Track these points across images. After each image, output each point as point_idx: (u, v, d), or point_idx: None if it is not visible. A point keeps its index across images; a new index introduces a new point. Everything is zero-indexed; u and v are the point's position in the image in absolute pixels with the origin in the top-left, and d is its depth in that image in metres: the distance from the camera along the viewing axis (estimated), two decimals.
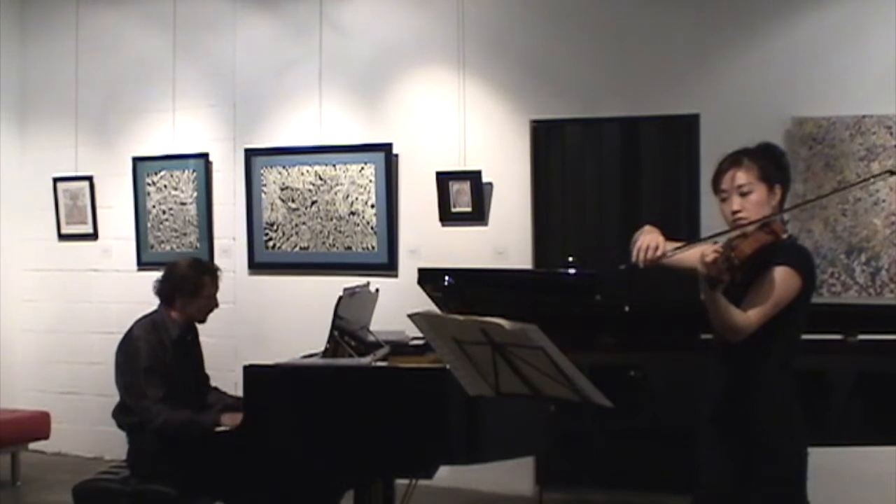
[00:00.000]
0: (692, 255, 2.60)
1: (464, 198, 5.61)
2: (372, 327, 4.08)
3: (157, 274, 4.11)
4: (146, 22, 6.47)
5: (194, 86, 6.31)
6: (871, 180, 2.64)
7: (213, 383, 4.27)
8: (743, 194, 2.61)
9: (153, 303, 4.14)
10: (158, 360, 3.81)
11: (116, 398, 3.99)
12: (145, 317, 4.00)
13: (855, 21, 5.02)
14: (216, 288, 4.05)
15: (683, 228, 5.15)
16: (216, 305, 4.07)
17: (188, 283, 3.97)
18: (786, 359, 2.61)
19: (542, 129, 5.57)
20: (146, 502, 3.76)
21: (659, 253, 2.59)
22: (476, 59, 5.65)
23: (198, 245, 6.22)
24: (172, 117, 6.33)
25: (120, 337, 4.03)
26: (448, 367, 2.71)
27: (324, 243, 5.96)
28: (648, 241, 2.62)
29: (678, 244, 2.72)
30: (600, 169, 5.45)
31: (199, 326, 4.21)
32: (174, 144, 6.32)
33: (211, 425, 3.69)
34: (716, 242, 2.56)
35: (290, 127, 6.09)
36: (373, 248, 5.83)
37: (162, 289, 4.02)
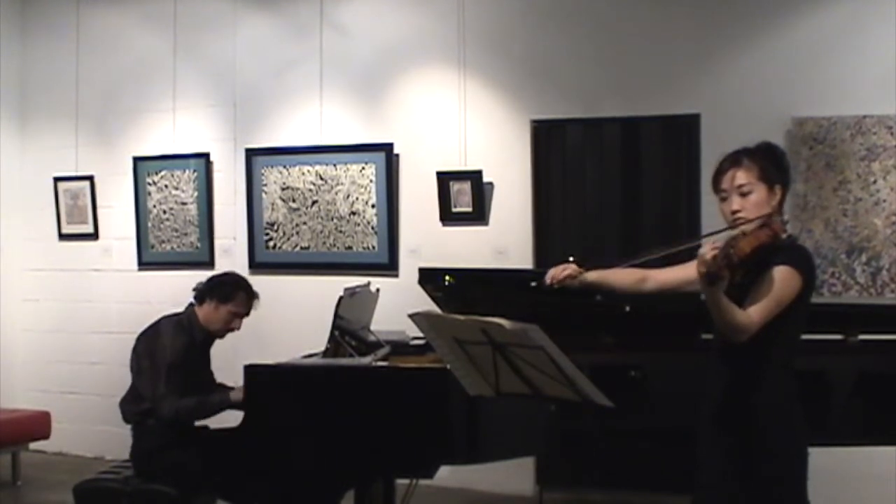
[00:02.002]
0: (688, 269, 2.67)
1: (464, 198, 5.61)
2: (372, 327, 4.09)
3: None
4: (146, 22, 6.47)
5: (195, 85, 6.31)
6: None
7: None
8: (743, 194, 2.61)
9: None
10: (183, 358, 3.84)
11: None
12: (174, 315, 4.01)
13: (855, 21, 5.02)
14: (245, 309, 4.05)
15: (683, 228, 5.16)
16: (237, 328, 4.07)
17: (223, 289, 3.99)
18: (786, 359, 2.61)
19: (543, 129, 5.57)
20: (147, 502, 3.77)
21: (566, 273, 2.96)
22: (476, 59, 5.65)
23: (198, 245, 6.22)
24: (173, 117, 6.33)
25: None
26: (448, 366, 2.71)
27: (324, 243, 5.96)
28: (563, 266, 2.99)
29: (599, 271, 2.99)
30: (601, 169, 5.45)
31: None
32: (175, 144, 6.33)
33: (223, 402, 3.78)
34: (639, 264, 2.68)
35: (290, 127, 6.09)
36: (373, 247, 5.84)
37: (200, 288, 4.04)
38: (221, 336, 4.08)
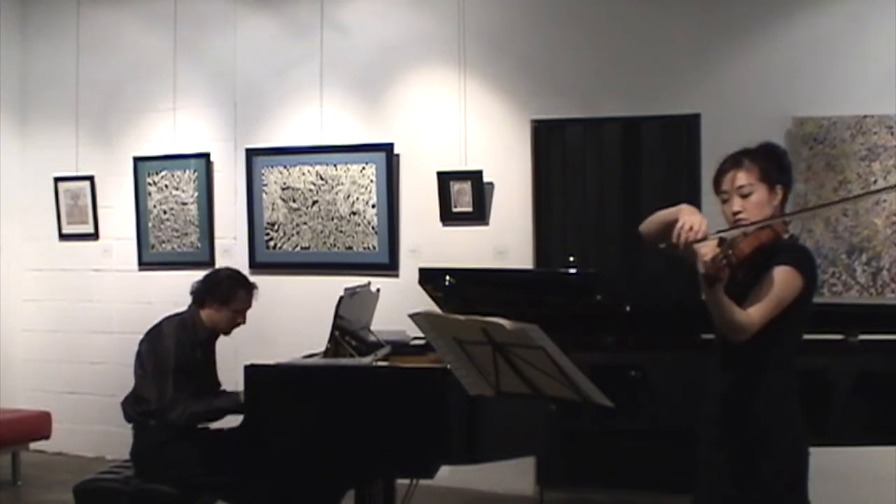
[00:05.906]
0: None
1: (464, 197, 5.61)
2: (373, 327, 4.09)
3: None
4: (147, 22, 6.47)
5: (195, 85, 6.31)
6: (886, 191, 2.59)
7: None
8: (744, 195, 2.61)
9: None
10: (187, 359, 3.83)
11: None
12: (176, 315, 3.99)
13: (855, 21, 5.02)
14: (248, 305, 4.03)
15: None
16: (243, 322, 4.06)
17: (221, 291, 3.96)
18: (787, 359, 2.61)
19: (543, 128, 5.57)
20: (147, 502, 3.77)
21: (700, 235, 2.47)
22: (476, 59, 5.65)
23: (198, 245, 6.22)
24: (173, 117, 6.33)
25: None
26: (449, 366, 2.71)
27: (325, 243, 5.96)
28: (692, 221, 2.52)
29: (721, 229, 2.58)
30: (601, 169, 5.45)
31: None
32: (175, 144, 6.33)
33: (232, 406, 3.76)
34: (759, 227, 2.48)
35: (290, 127, 6.09)
36: (374, 247, 5.84)
37: (198, 290, 4.01)
38: (228, 333, 4.07)
